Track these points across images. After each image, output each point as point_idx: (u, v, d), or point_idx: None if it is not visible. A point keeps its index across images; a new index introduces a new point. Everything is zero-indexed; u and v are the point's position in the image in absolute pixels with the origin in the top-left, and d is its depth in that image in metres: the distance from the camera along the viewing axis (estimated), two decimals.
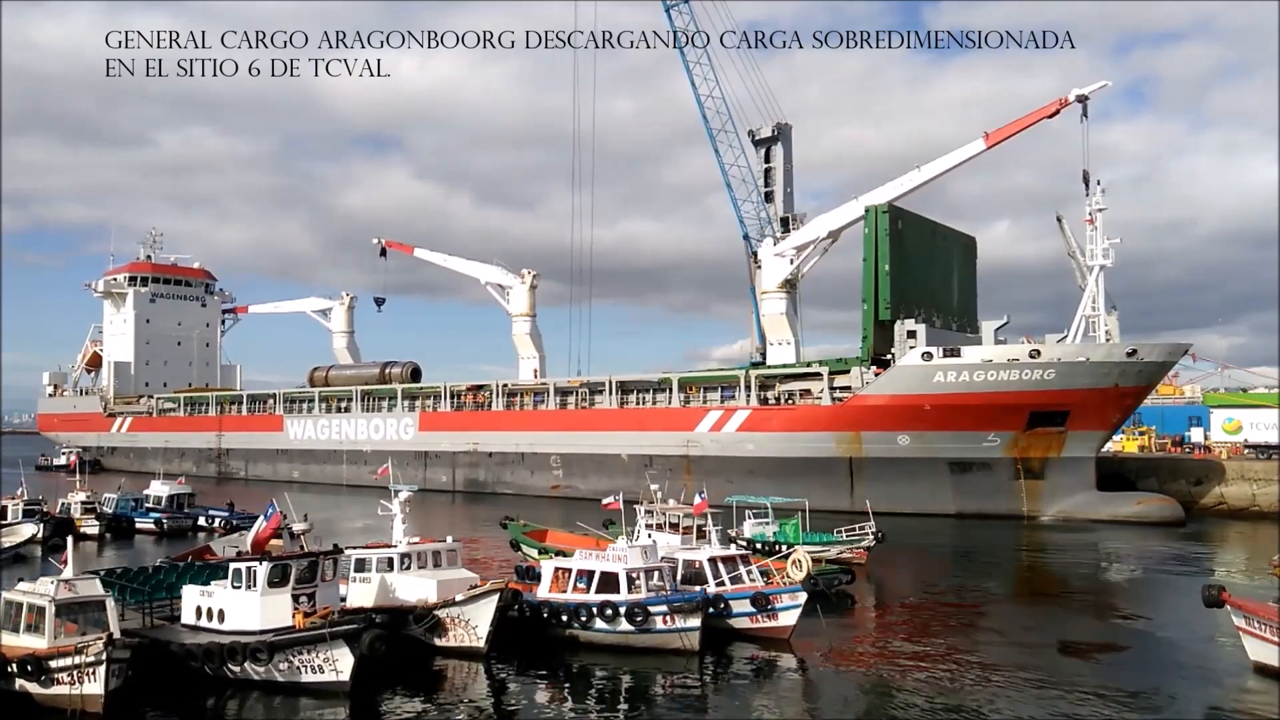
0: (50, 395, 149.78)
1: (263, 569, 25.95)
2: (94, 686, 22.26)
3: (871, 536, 45.59)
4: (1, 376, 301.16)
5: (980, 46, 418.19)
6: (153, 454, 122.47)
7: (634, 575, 29.41)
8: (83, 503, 58.27)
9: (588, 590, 29.73)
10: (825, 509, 58.79)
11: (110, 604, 24.71)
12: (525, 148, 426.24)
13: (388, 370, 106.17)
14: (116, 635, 23.47)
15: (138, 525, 59.81)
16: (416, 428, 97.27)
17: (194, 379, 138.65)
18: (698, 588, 31.04)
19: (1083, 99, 68.36)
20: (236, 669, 24.76)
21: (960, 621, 34.16)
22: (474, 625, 27.86)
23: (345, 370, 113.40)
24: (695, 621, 28.34)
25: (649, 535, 37.79)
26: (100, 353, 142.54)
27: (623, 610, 28.51)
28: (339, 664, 24.06)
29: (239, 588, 26.14)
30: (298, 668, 24.44)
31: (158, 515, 59.84)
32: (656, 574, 30.24)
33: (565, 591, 30.19)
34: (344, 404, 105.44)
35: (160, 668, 25.28)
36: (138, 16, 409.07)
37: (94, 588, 25.00)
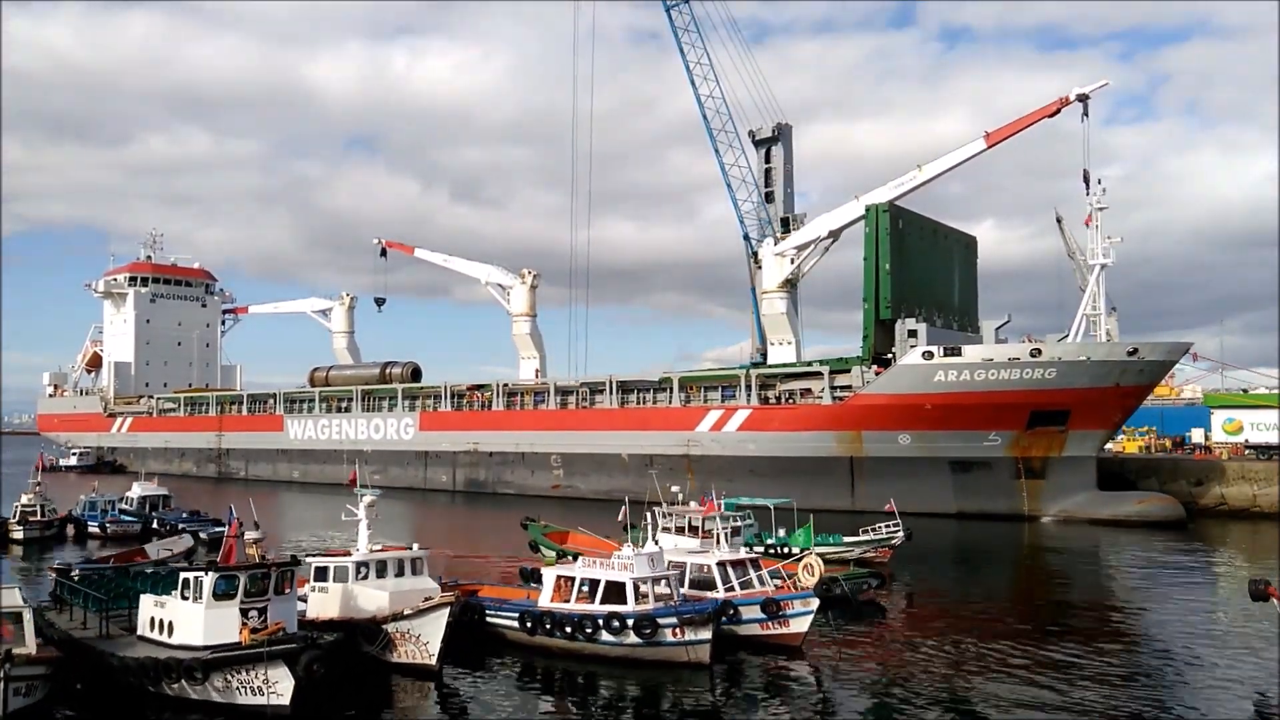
0: (50, 395, 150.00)
1: (208, 580, 24.06)
2: None
3: (902, 535, 44.50)
4: (1, 376, 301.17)
5: (979, 45, 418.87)
6: (153, 454, 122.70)
7: (641, 584, 28.06)
8: (22, 506, 55.68)
9: (591, 599, 28.30)
10: (827, 509, 58.74)
11: (28, 616, 23.16)
12: (513, 146, 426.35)
13: (388, 370, 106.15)
14: (29, 650, 22.24)
15: (89, 529, 57.64)
16: (417, 427, 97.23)
17: (194, 379, 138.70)
18: (705, 594, 30.13)
19: (1083, 98, 68.30)
20: (174, 687, 23.29)
21: (978, 625, 32.95)
22: (425, 641, 26.14)
23: (345, 370, 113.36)
24: (706, 634, 27.02)
25: (654, 540, 36.76)
26: (100, 353, 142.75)
27: (630, 623, 27.15)
28: (278, 686, 22.46)
29: (187, 599, 24.42)
30: (235, 689, 22.83)
31: (101, 520, 57.67)
32: (664, 582, 28.89)
33: (569, 600, 28.80)
34: (344, 404, 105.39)
35: (105, 681, 24.25)
36: (126, 15, 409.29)
37: (12, 598, 23.30)
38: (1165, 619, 34.94)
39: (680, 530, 38.30)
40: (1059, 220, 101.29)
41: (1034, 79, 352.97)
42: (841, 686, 26.45)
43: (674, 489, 40.82)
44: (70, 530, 58.18)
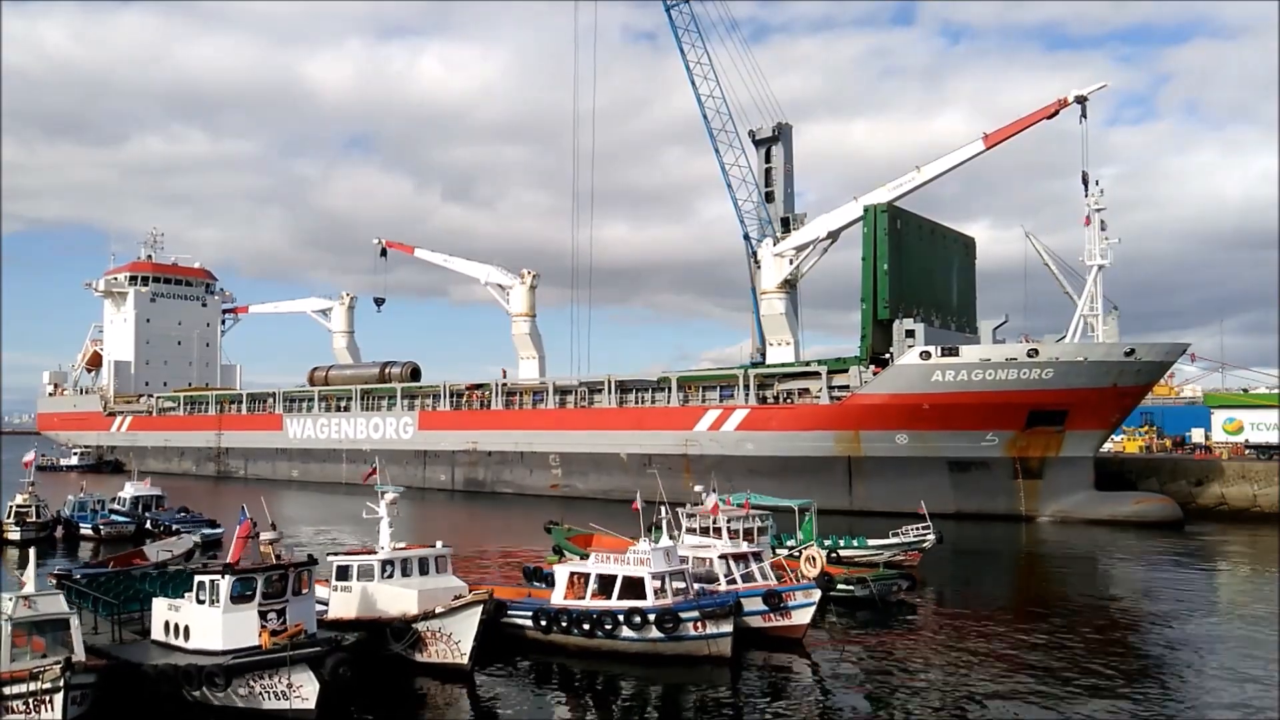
0: (50, 395, 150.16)
1: (225, 583, 23.53)
2: (52, 714, 20.56)
3: (932, 538, 43.80)
4: (1, 376, 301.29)
5: (980, 44, 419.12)
6: (152, 453, 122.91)
7: (659, 579, 28.02)
8: (17, 507, 54.48)
9: (607, 596, 28.16)
10: (825, 509, 58.50)
11: (75, 623, 22.70)
12: (507, 145, 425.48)
13: (387, 370, 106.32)
14: (80, 657, 21.77)
15: (81, 530, 56.55)
16: (416, 427, 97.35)
17: (194, 378, 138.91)
18: (706, 586, 30.08)
19: (1081, 99, 68.36)
20: (195, 693, 22.74)
21: (991, 629, 32.53)
22: (456, 640, 25.98)
23: (345, 370, 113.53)
24: (728, 627, 27.16)
25: (671, 538, 36.25)
26: (100, 352, 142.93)
27: (652, 617, 26.97)
28: (303, 690, 22.06)
29: (203, 602, 23.90)
30: (259, 694, 22.36)
31: (94, 521, 56.69)
32: (680, 577, 28.87)
33: (583, 598, 28.62)
34: (344, 403, 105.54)
35: (126, 689, 23.51)
36: (121, 15, 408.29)
37: (57, 604, 22.90)
38: (1169, 621, 34.70)
39: (705, 531, 37.63)
40: (1028, 235, 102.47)
41: (1035, 79, 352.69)
42: (860, 686, 26.30)
43: (697, 488, 40.29)
44: (60, 532, 56.73)
